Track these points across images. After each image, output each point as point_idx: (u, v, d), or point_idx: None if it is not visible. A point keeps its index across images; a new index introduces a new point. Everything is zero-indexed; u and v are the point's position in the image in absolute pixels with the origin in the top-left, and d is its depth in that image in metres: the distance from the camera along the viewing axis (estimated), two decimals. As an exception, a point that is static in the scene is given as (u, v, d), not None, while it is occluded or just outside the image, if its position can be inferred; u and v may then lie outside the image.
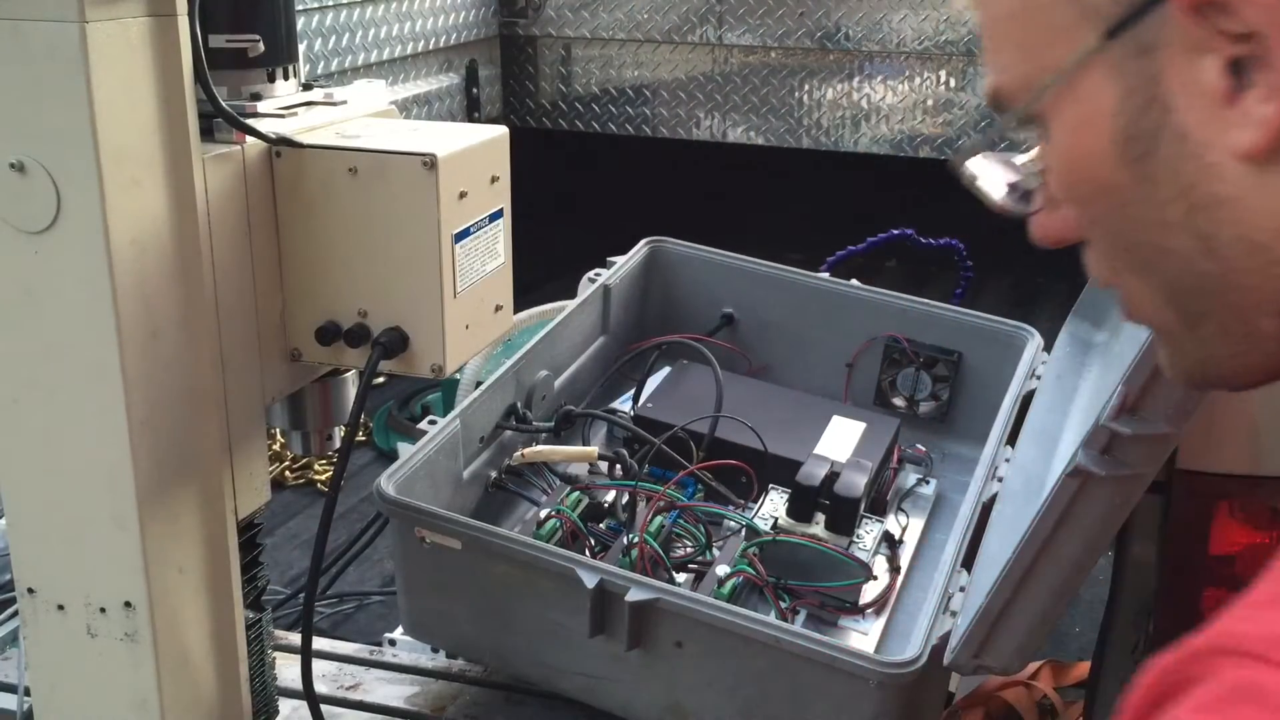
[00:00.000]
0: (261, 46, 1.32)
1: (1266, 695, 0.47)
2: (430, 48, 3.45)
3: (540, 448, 1.75)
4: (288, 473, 2.81)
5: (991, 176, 0.75)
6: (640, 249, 2.16)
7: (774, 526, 1.65)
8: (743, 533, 1.64)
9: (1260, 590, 0.53)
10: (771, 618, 1.44)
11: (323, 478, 2.81)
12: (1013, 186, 0.75)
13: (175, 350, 1.22)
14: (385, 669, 1.71)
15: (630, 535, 1.58)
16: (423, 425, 1.65)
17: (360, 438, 2.90)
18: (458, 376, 2.19)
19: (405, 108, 3.30)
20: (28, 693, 1.44)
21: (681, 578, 1.59)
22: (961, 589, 1.42)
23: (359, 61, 3.12)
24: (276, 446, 2.71)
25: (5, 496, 1.27)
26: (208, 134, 1.25)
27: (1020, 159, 0.73)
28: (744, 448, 1.78)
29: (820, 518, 1.64)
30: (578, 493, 1.69)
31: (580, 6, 3.83)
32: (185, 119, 1.18)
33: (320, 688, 1.55)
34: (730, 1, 3.70)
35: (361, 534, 2.16)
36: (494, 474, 1.73)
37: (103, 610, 1.26)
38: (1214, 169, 0.60)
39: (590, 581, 1.38)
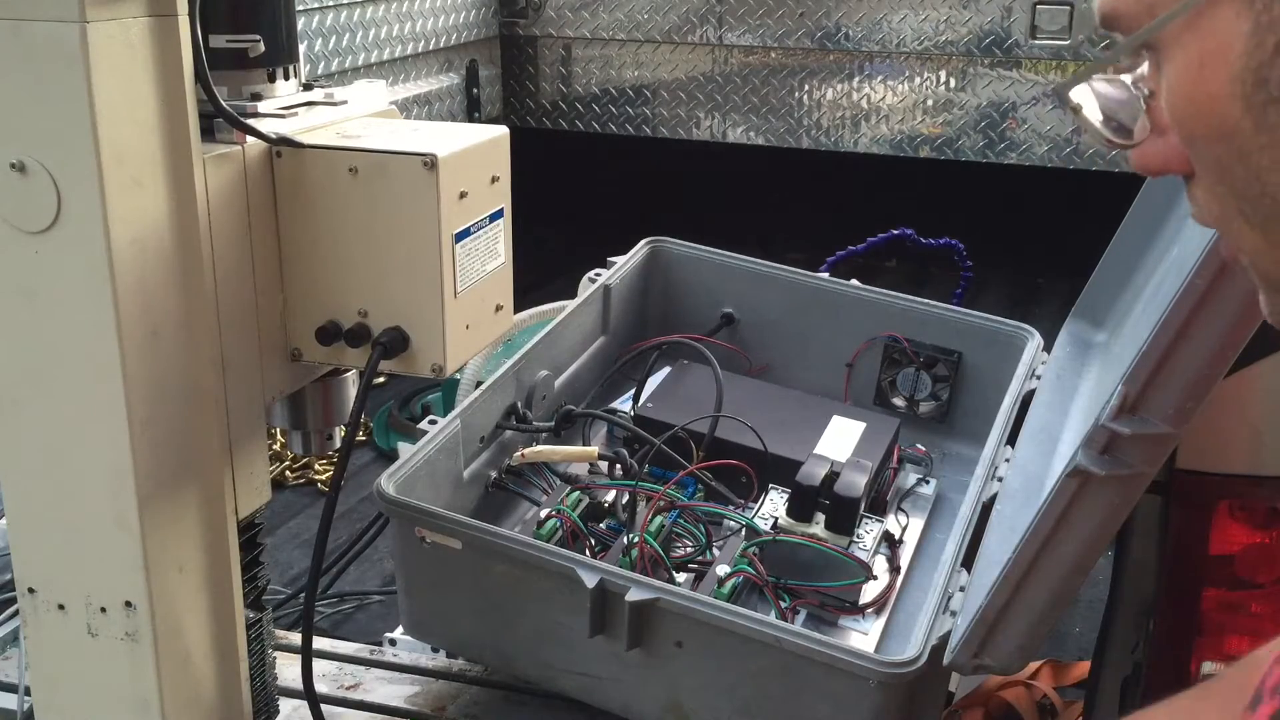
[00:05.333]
0: (262, 47, 1.32)
1: None
2: (430, 48, 3.45)
3: (540, 448, 1.75)
4: (288, 472, 2.81)
5: (1096, 107, 0.69)
6: (640, 249, 2.16)
7: (774, 526, 1.65)
8: (743, 533, 1.64)
9: None
10: (771, 618, 1.44)
11: (323, 477, 2.81)
12: (1109, 117, 0.69)
13: (175, 350, 1.22)
14: (385, 669, 1.71)
15: (630, 535, 1.58)
16: (423, 425, 1.65)
17: (360, 437, 2.91)
18: (458, 376, 2.19)
19: (405, 108, 3.30)
20: (28, 692, 1.44)
21: (681, 578, 1.59)
22: (961, 589, 1.42)
23: (359, 61, 3.12)
24: (277, 446, 2.71)
25: (5, 496, 1.27)
26: (208, 134, 1.25)
27: (1127, 78, 0.67)
28: (744, 448, 1.78)
29: (820, 518, 1.64)
30: (578, 493, 1.69)
31: (580, 6, 3.83)
32: (186, 119, 1.18)
33: (320, 687, 1.55)
34: (730, 1, 3.70)
35: (362, 534, 2.16)
36: (494, 474, 1.73)
37: (103, 610, 1.26)
38: None
39: (590, 581, 1.38)
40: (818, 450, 1.79)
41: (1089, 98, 0.69)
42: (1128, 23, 0.65)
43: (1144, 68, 0.66)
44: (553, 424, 1.83)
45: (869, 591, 1.61)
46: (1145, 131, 0.67)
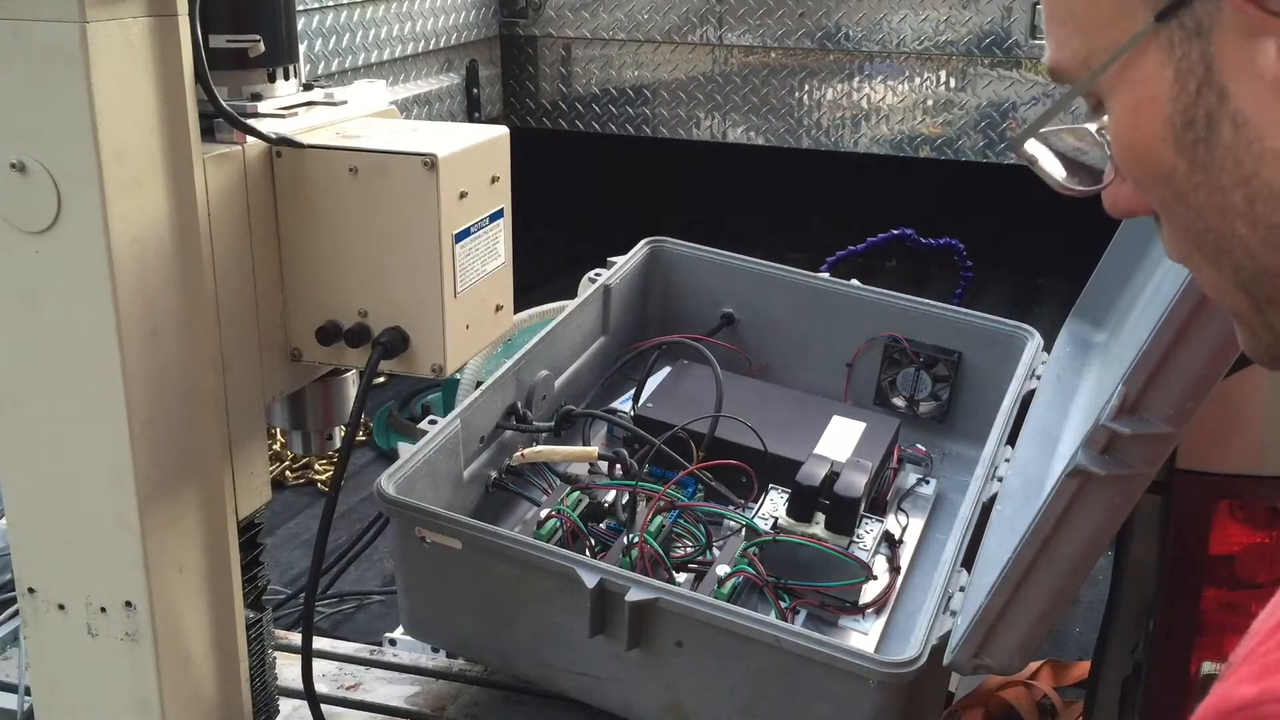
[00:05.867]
0: (262, 47, 1.32)
1: None
2: (430, 48, 3.45)
3: (540, 448, 1.75)
4: (288, 472, 2.81)
5: (1053, 157, 0.72)
6: (640, 249, 2.16)
7: (774, 526, 1.65)
8: (743, 533, 1.64)
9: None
10: (771, 618, 1.44)
11: (323, 478, 2.81)
12: (1074, 165, 0.72)
13: (175, 350, 1.22)
14: (385, 669, 1.71)
15: (630, 535, 1.58)
16: (423, 425, 1.66)
17: (360, 437, 2.90)
18: (458, 376, 2.19)
19: (405, 108, 3.30)
20: (28, 692, 1.44)
21: (681, 578, 1.59)
22: (961, 589, 1.42)
23: (359, 61, 3.12)
24: (277, 446, 2.71)
25: (5, 496, 1.27)
26: (208, 134, 1.25)
27: (1091, 125, 0.70)
28: (744, 448, 1.78)
29: (820, 518, 1.64)
30: (578, 493, 1.69)
31: (580, 6, 3.83)
32: (186, 119, 1.18)
33: (320, 687, 1.55)
34: (730, 1, 3.70)
35: (362, 534, 2.16)
36: (494, 474, 1.73)
37: (103, 610, 1.26)
38: (1274, 156, 0.58)
39: (590, 581, 1.38)
40: (818, 450, 1.79)
41: (1043, 150, 0.72)
42: (1068, 76, 0.67)
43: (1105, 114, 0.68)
44: (553, 424, 1.83)
45: (869, 591, 1.61)
46: (1112, 174, 0.70)
